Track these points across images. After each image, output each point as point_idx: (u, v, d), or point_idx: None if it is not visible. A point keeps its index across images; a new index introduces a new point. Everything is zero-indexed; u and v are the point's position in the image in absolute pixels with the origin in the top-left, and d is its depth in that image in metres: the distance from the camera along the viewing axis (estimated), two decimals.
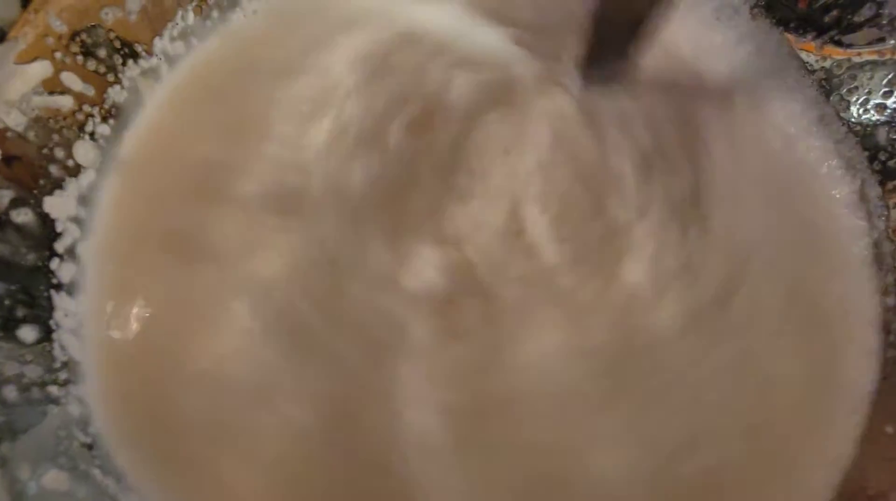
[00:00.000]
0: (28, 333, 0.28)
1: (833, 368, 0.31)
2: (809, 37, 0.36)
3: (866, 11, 0.34)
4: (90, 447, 0.27)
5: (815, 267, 0.33)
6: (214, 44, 0.35)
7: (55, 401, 0.27)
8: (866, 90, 0.35)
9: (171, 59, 0.35)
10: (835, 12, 0.35)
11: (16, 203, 0.29)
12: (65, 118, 0.31)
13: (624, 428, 0.28)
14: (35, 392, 0.27)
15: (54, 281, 0.30)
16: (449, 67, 0.33)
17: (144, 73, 0.34)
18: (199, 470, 0.27)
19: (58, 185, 0.31)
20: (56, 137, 0.31)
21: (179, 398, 0.28)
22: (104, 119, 0.32)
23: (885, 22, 0.34)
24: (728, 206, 0.32)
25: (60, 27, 0.31)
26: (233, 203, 0.31)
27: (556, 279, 0.30)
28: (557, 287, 0.30)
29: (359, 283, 0.29)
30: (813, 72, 0.36)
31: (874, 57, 0.34)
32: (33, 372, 0.27)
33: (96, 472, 0.26)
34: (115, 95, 0.33)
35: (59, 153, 0.31)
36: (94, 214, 0.31)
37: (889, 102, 0.34)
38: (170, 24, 0.35)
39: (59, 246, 0.30)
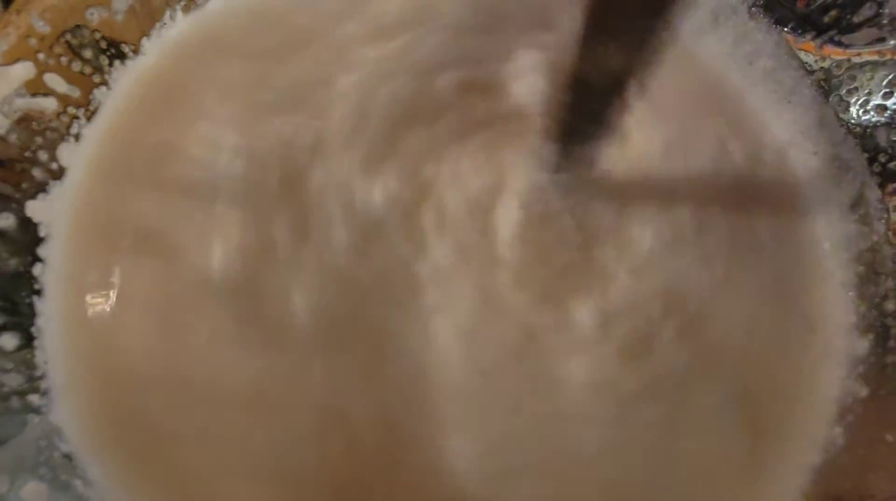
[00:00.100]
0: (8, 340, 0.27)
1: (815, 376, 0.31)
2: (808, 37, 0.35)
3: (866, 11, 0.33)
4: (71, 457, 0.27)
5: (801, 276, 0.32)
6: (199, 41, 0.35)
7: (36, 410, 0.27)
8: (866, 91, 0.34)
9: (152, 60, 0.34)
10: (834, 12, 0.35)
11: None
12: (48, 120, 0.30)
13: None
14: (14, 402, 0.27)
15: (36, 287, 0.29)
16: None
17: (131, 73, 0.33)
18: (180, 479, 0.27)
19: (41, 188, 0.30)
20: (39, 139, 0.30)
21: (158, 404, 0.27)
22: (90, 121, 0.32)
23: (885, 22, 0.33)
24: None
25: (43, 28, 0.30)
26: (198, 196, 0.30)
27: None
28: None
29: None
30: (812, 72, 0.36)
31: (874, 57, 0.34)
32: (13, 381, 0.27)
33: (77, 483, 0.26)
34: (102, 96, 0.32)
35: (43, 156, 0.30)
36: (69, 213, 0.30)
37: (889, 103, 0.34)
38: (157, 24, 0.34)
39: (43, 251, 0.30)
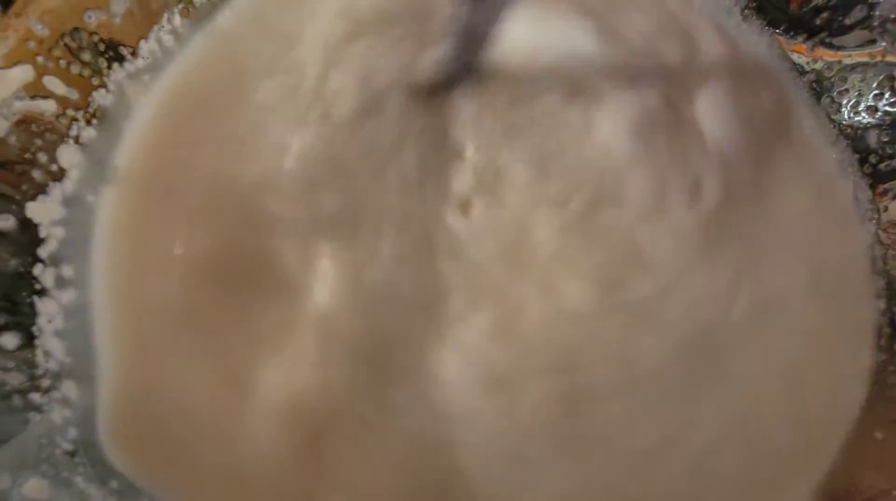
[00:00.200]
0: (9, 340, 0.28)
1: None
2: (800, 39, 0.36)
3: (857, 13, 0.34)
4: (73, 454, 0.27)
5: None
6: (203, 45, 0.35)
7: (37, 409, 0.27)
8: (857, 92, 0.35)
9: (158, 62, 0.34)
10: (826, 14, 0.35)
11: None
12: (48, 123, 0.31)
13: None
14: (16, 400, 0.27)
15: (37, 287, 0.29)
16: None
17: (131, 76, 0.34)
18: (185, 476, 0.27)
19: (41, 190, 0.30)
20: (39, 141, 0.30)
21: (164, 402, 0.28)
22: (89, 123, 0.32)
23: (875, 24, 0.33)
24: None
25: (42, 31, 0.30)
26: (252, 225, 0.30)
27: None
28: None
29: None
30: (804, 74, 0.36)
31: (865, 59, 0.34)
32: (15, 379, 0.27)
33: (79, 480, 0.26)
34: (101, 98, 0.33)
35: (43, 158, 0.31)
36: (88, 225, 0.31)
37: (880, 104, 0.34)
38: (156, 27, 0.34)
39: (43, 252, 0.30)
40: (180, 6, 0.35)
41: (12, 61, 0.29)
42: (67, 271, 0.30)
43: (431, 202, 0.30)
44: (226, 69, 0.33)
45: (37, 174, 0.30)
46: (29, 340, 0.28)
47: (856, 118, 0.35)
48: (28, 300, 0.29)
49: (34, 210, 0.30)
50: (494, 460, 0.28)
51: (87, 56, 0.32)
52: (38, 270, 0.30)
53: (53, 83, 0.31)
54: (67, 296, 0.30)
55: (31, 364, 0.28)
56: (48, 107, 0.31)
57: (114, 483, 0.27)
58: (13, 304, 0.29)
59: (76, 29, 0.31)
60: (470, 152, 0.31)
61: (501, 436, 0.28)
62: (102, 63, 0.33)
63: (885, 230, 0.34)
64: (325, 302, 0.28)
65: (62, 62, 0.31)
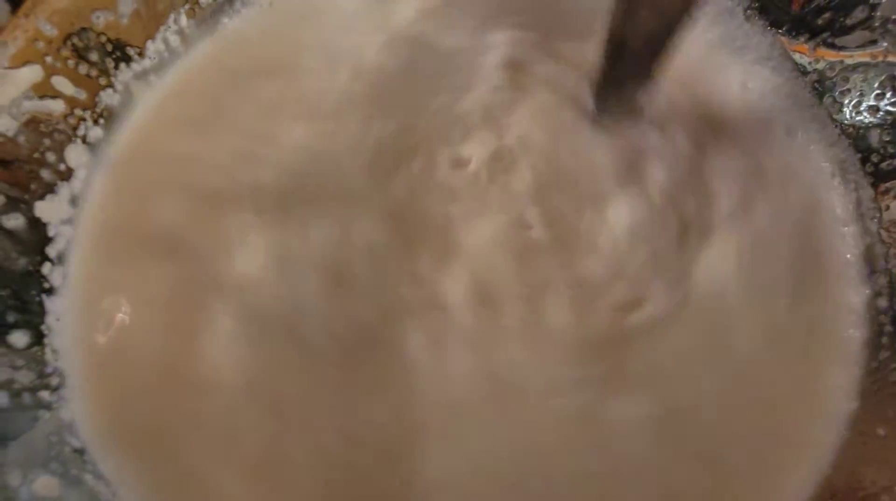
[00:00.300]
0: (19, 338, 0.28)
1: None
2: (802, 39, 0.36)
3: (858, 14, 0.34)
4: (82, 452, 0.27)
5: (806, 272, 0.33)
6: (208, 46, 0.35)
7: (47, 406, 0.27)
8: (858, 92, 0.35)
9: (164, 62, 0.35)
10: (828, 15, 0.35)
11: (6, 208, 0.29)
12: (56, 122, 0.31)
13: None
14: (26, 398, 0.27)
15: (46, 285, 0.30)
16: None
17: (137, 76, 0.34)
18: (189, 474, 0.27)
19: (49, 189, 0.31)
20: (47, 141, 0.31)
21: (169, 402, 0.28)
22: (96, 123, 0.32)
23: (877, 24, 0.34)
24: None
25: (51, 31, 0.30)
26: (216, 202, 0.30)
27: None
28: None
29: (348, 285, 0.29)
30: (806, 74, 0.36)
31: (866, 59, 0.34)
32: (24, 378, 0.27)
33: (88, 477, 0.26)
34: (108, 98, 0.33)
35: (51, 157, 0.31)
36: (83, 215, 0.31)
37: (881, 104, 0.34)
38: (162, 27, 0.35)
39: (51, 250, 0.30)
40: (187, 6, 0.35)
41: (21, 61, 0.30)
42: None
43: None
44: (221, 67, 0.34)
45: (45, 174, 0.31)
46: (38, 338, 0.29)
47: (857, 118, 0.35)
48: (37, 299, 0.29)
49: (43, 209, 0.30)
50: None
51: (94, 56, 0.32)
52: (46, 268, 0.30)
53: (62, 83, 0.31)
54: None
55: (41, 362, 0.28)
56: (56, 107, 0.31)
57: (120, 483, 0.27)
58: (22, 302, 0.29)
59: (84, 29, 0.32)
60: None
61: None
62: (110, 63, 0.33)
63: (886, 229, 0.34)
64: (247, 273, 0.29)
65: (70, 62, 0.31)
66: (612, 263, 0.30)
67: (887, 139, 0.34)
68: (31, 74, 0.30)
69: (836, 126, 0.35)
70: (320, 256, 0.30)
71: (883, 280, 0.33)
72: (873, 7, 0.33)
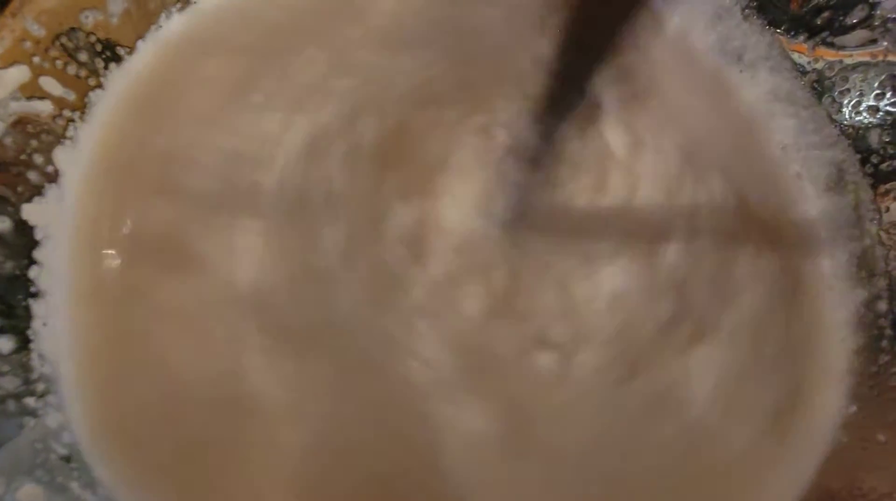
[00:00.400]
0: (4, 343, 0.28)
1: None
2: (801, 38, 0.36)
3: (858, 13, 0.34)
4: (68, 459, 0.27)
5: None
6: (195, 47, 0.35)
7: (32, 413, 0.27)
8: (858, 92, 0.34)
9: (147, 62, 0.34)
10: (827, 14, 0.35)
11: None
12: (44, 124, 0.31)
13: None
14: (11, 405, 0.27)
15: (33, 290, 0.29)
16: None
17: (127, 75, 0.33)
18: (178, 483, 0.27)
19: (37, 191, 0.30)
20: (35, 142, 0.30)
21: (160, 410, 0.28)
22: (86, 124, 0.32)
23: (877, 23, 0.33)
24: None
25: (39, 31, 0.30)
26: (215, 205, 0.30)
27: None
28: None
29: (347, 291, 0.29)
30: (805, 74, 0.36)
31: (866, 59, 0.34)
32: (9, 384, 0.27)
33: (74, 485, 0.26)
34: (97, 98, 0.32)
35: (39, 159, 0.30)
36: (67, 218, 0.30)
37: (881, 104, 0.34)
38: (153, 27, 0.34)
39: (39, 254, 0.30)
40: (178, 5, 0.35)
41: (8, 62, 0.29)
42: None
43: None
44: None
45: (32, 176, 0.30)
46: (24, 343, 0.28)
47: (857, 118, 0.35)
48: (23, 303, 0.29)
49: (30, 212, 0.30)
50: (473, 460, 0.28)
51: (83, 56, 0.32)
52: (33, 272, 0.29)
53: (50, 84, 0.30)
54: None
55: (26, 368, 0.28)
56: (44, 108, 0.30)
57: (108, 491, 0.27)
58: (8, 307, 0.28)
59: (73, 29, 0.31)
60: None
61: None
62: (99, 63, 0.32)
63: (886, 231, 0.33)
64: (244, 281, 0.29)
65: (59, 63, 0.31)
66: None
67: (887, 140, 0.34)
68: (18, 74, 0.29)
69: (836, 126, 0.35)
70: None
71: (882, 283, 0.33)
72: (873, 6, 0.33)
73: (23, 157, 0.30)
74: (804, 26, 0.35)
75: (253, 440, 0.27)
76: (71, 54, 0.31)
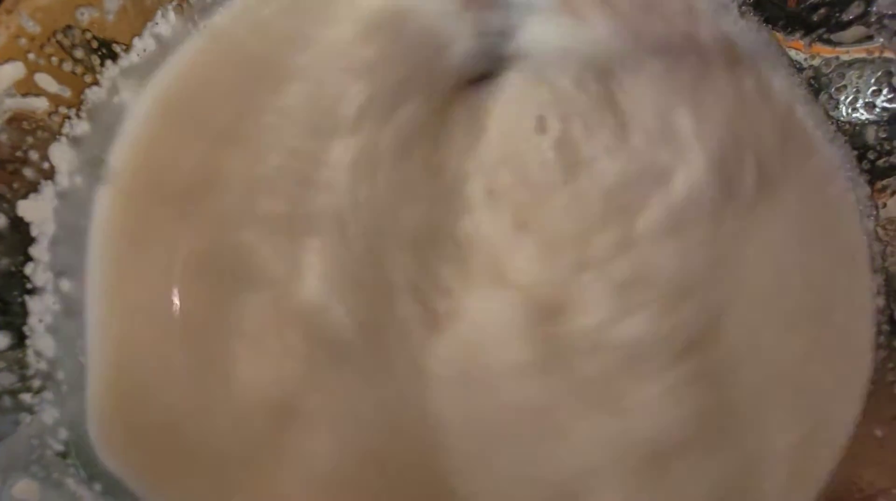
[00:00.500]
0: (0, 339, 0.28)
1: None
2: (798, 35, 0.36)
3: (854, 9, 0.34)
4: (64, 455, 0.27)
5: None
6: (198, 44, 0.35)
7: (28, 409, 0.27)
8: (855, 89, 0.35)
9: (152, 59, 0.34)
10: (823, 10, 0.35)
11: None
12: (39, 120, 0.30)
13: None
14: (6, 401, 0.27)
15: (28, 286, 0.29)
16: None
17: (125, 73, 0.33)
18: (170, 471, 0.27)
19: (33, 188, 0.30)
20: (30, 139, 0.30)
21: (151, 397, 0.27)
22: (82, 121, 0.32)
23: (873, 20, 0.33)
24: None
25: (34, 28, 0.30)
26: (240, 223, 0.30)
27: None
28: None
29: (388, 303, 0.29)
30: (802, 70, 0.36)
31: (863, 55, 0.34)
32: (5, 380, 0.27)
33: (70, 481, 0.26)
34: (94, 96, 0.32)
35: (34, 156, 0.30)
36: (80, 224, 0.30)
37: (878, 100, 0.34)
38: (149, 24, 0.34)
39: (34, 250, 0.30)
40: (174, 3, 0.35)
41: (3, 58, 0.29)
42: (59, 270, 0.30)
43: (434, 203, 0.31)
44: (223, 68, 0.33)
45: (28, 173, 0.30)
46: (20, 340, 0.28)
47: (854, 115, 0.35)
48: (19, 300, 0.29)
49: (26, 209, 0.30)
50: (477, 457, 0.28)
51: (79, 53, 0.32)
52: (29, 269, 0.29)
53: (45, 81, 0.30)
54: (59, 295, 0.29)
55: (22, 364, 0.28)
56: (40, 104, 0.30)
57: (104, 485, 0.27)
58: (4, 303, 0.28)
59: (69, 26, 0.31)
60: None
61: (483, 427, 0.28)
62: (95, 60, 0.32)
63: (883, 227, 0.34)
64: (309, 297, 0.28)
65: (54, 59, 0.31)
66: None
67: (884, 136, 0.34)
68: (13, 71, 0.29)
69: (832, 123, 0.35)
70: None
71: (879, 279, 0.33)
72: (869, 2, 0.33)
73: (18, 153, 0.30)
74: (801, 23, 0.35)
75: (284, 445, 0.27)
76: (67, 51, 0.31)
